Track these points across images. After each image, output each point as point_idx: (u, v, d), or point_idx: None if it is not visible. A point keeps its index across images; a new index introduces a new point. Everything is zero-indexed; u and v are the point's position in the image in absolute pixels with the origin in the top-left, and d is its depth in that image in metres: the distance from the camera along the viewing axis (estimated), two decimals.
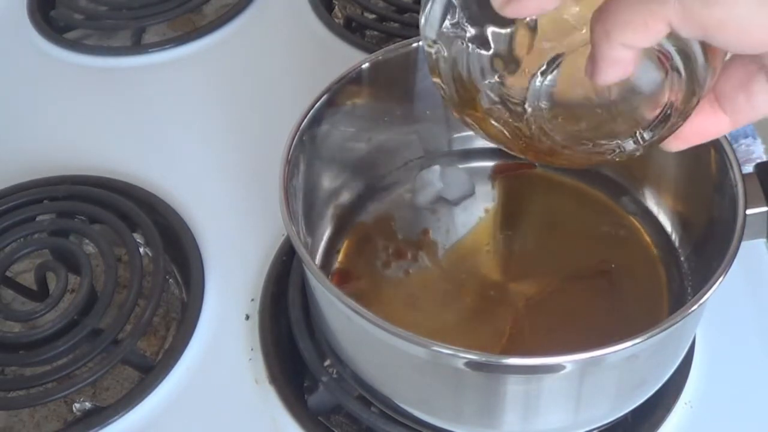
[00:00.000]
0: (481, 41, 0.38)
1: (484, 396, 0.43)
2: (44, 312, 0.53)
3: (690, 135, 0.39)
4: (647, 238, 0.54)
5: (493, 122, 0.41)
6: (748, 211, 0.44)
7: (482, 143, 0.59)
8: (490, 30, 0.38)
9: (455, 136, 0.58)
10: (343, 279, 0.53)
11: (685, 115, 0.37)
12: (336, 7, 0.80)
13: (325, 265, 0.54)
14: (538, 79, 0.37)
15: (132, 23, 0.76)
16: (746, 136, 0.66)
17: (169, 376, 0.51)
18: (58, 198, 0.60)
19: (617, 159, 0.41)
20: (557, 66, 0.37)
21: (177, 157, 0.65)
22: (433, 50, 0.41)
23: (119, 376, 0.54)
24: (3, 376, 0.54)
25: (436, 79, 0.42)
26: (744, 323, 0.53)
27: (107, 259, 0.55)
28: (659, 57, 0.36)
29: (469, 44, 0.39)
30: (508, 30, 0.37)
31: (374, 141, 0.56)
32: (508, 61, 0.38)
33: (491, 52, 0.38)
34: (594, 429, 0.47)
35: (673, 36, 0.32)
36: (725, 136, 0.47)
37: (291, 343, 0.52)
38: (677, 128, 0.38)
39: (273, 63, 0.72)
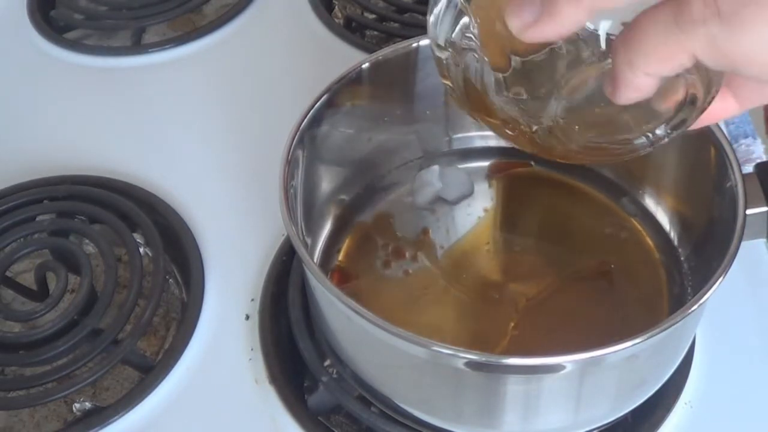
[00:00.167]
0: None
1: (484, 396, 0.43)
2: (44, 312, 0.53)
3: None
4: (647, 239, 0.54)
5: (507, 129, 0.40)
6: (748, 211, 0.44)
7: (481, 143, 0.59)
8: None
9: (454, 136, 0.58)
10: (342, 279, 0.53)
11: (700, 109, 0.37)
12: (336, 7, 0.80)
13: (325, 264, 0.54)
14: (555, 96, 0.37)
15: (132, 23, 0.76)
16: (746, 136, 0.66)
17: (169, 376, 0.51)
18: (58, 198, 0.60)
19: (627, 158, 0.41)
20: (575, 84, 0.37)
21: (177, 157, 0.65)
22: (442, 55, 0.41)
23: (119, 376, 0.54)
24: (3, 376, 0.54)
25: (446, 81, 0.42)
26: (744, 323, 0.53)
27: (107, 259, 0.55)
28: None
29: (484, 58, 0.38)
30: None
31: (374, 141, 0.56)
32: (525, 80, 0.38)
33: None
34: (594, 429, 0.47)
35: None
36: (725, 136, 0.47)
37: (291, 343, 0.52)
38: (692, 123, 0.38)
39: (273, 63, 0.72)
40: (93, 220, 0.59)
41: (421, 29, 0.57)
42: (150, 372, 0.51)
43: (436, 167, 0.57)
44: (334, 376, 0.50)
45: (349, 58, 0.68)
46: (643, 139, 0.39)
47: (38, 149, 0.66)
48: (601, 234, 0.55)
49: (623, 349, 0.39)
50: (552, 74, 0.37)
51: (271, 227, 0.58)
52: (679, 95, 0.37)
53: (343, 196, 0.56)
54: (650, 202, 0.55)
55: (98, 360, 0.51)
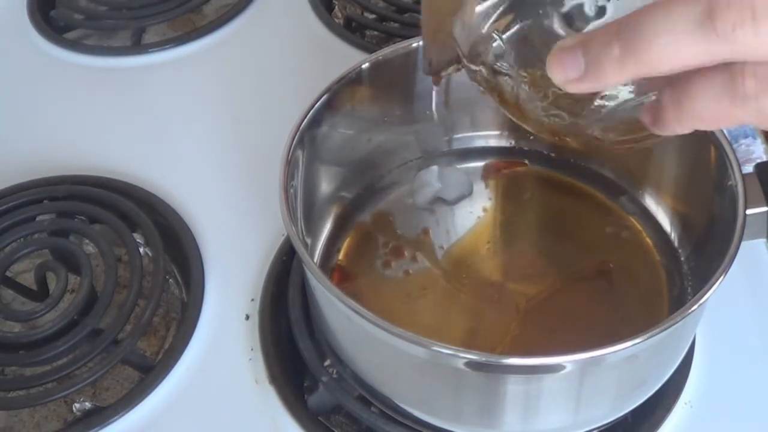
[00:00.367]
0: (533, 83, 0.38)
1: (484, 396, 0.43)
2: (44, 312, 0.53)
3: None
4: (647, 239, 0.54)
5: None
6: (748, 211, 0.44)
7: (481, 143, 0.59)
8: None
9: (454, 136, 0.58)
10: (342, 279, 0.53)
11: None
12: (336, 7, 0.80)
13: (325, 264, 0.54)
14: (596, 103, 0.37)
15: (132, 23, 0.76)
16: (746, 136, 0.66)
17: (169, 376, 0.51)
18: (58, 198, 0.60)
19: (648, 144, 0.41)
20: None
21: (177, 157, 0.65)
22: (473, 66, 0.41)
23: (119, 376, 0.54)
24: (3, 376, 0.54)
25: (475, 83, 0.42)
26: (744, 323, 0.53)
27: (107, 259, 0.55)
28: None
29: (520, 82, 0.38)
30: None
31: (374, 141, 0.56)
32: (564, 99, 0.38)
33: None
34: (594, 429, 0.47)
35: None
36: (725, 136, 0.47)
37: (291, 343, 0.52)
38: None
39: (273, 63, 0.72)
40: (93, 220, 0.59)
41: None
42: (150, 372, 0.51)
43: (435, 167, 0.57)
44: (334, 376, 0.50)
45: (349, 58, 0.68)
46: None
47: (38, 149, 0.66)
48: (601, 234, 0.55)
49: (623, 349, 0.39)
50: (591, 99, 0.37)
51: (271, 227, 0.58)
52: None
53: (343, 196, 0.56)
54: (650, 202, 0.55)
55: (98, 360, 0.51)
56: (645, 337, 0.39)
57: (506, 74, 0.39)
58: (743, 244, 0.43)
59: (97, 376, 0.50)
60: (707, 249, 0.48)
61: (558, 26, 0.37)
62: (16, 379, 0.53)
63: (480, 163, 0.59)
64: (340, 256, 0.54)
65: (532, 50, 0.38)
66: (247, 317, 0.54)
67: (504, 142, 0.59)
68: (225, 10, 0.77)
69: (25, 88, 0.72)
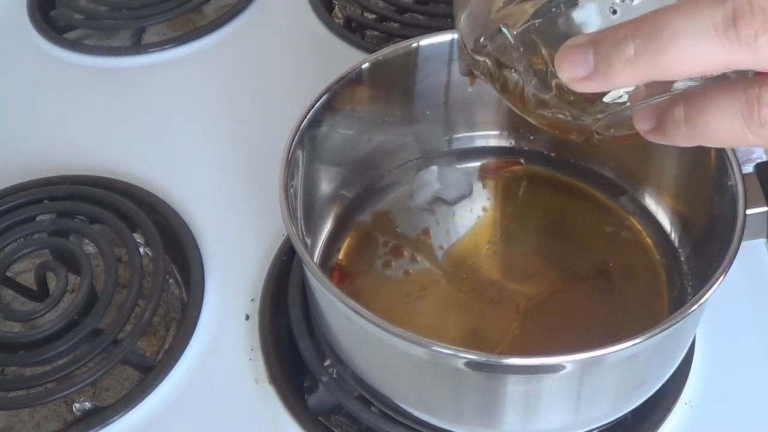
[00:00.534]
0: (539, 78, 0.38)
1: (484, 396, 0.43)
2: (44, 312, 0.53)
3: None
4: (647, 239, 0.54)
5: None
6: (748, 211, 0.44)
7: (480, 143, 0.59)
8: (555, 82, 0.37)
9: (454, 136, 0.58)
10: (342, 278, 0.53)
11: None
12: (336, 7, 0.80)
13: (325, 264, 0.54)
14: (601, 101, 0.37)
15: (132, 23, 0.76)
16: None
17: (169, 376, 0.51)
18: (58, 198, 0.60)
19: None
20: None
21: (177, 157, 0.65)
22: (478, 57, 0.40)
23: (119, 376, 0.54)
24: (3, 376, 0.54)
25: (476, 72, 0.42)
26: (744, 323, 0.53)
27: (107, 259, 0.55)
28: None
29: (525, 77, 0.38)
30: None
31: (374, 141, 0.56)
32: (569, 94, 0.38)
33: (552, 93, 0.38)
34: (594, 429, 0.47)
35: None
36: None
37: (291, 343, 0.52)
38: None
39: (273, 63, 0.72)
40: (93, 220, 0.59)
41: (422, 29, 0.57)
42: (150, 372, 0.51)
43: (434, 168, 0.57)
44: (334, 376, 0.50)
45: (349, 58, 0.68)
46: None
47: (38, 149, 0.66)
48: (601, 234, 0.55)
49: (623, 349, 0.39)
50: (596, 98, 0.37)
51: (271, 227, 0.58)
52: None
53: (343, 196, 0.56)
54: (650, 202, 0.55)
55: (98, 360, 0.51)
56: (645, 337, 0.39)
57: (511, 67, 0.39)
58: (743, 244, 0.43)
59: (97, 376, 0.50)
60: (707, 249, 0.48)
61: (570, 24, 0.37)
62: (16, 379, 0.53)
63: (478, 164, 0.59)
64: (340, 256, 0.54)
65: (540, 46, 0.37)
66: (247, 317, 0.54)
67: (504, 142, 0.59)
68: (225, 10, 0.77)
69: (25, 88, 0.72)
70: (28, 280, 0.57)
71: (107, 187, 0.61)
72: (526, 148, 0.59)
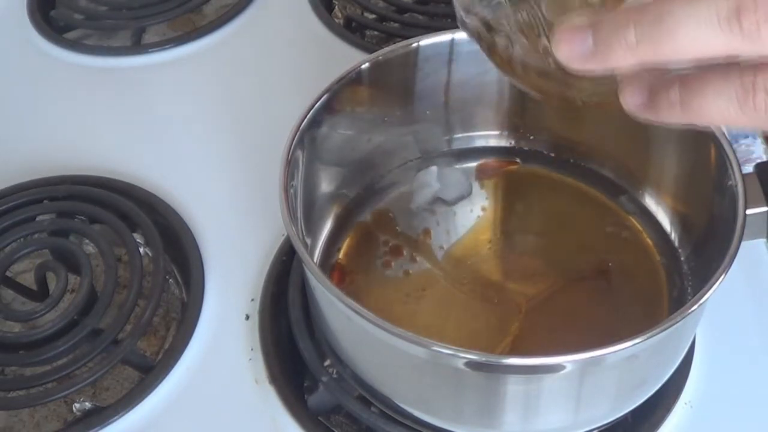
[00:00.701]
0: (531, 46, 0.38)
1: (484, 396, 0.43)
2: (44, 312, 0.53)
3: None
4: (647, 239, 0.54)
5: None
6: (748, 211, 0.44)
7: (480, 143, 0.59)
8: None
9: (453, 136, 0.58)
10: (342, 278, 0.53)
11: None
12: (336, 7, 0.80)
13: (325, 264, 0.54)
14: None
15: (132, 23, 0.76)
16: (746, 136, 0.66)
17: (169, 376, 0.51)
18: (58, 198, 0.60)
19: None
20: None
21: (177, 157, 0.65)
22: (466, 19, 0.40)
23: (119, 376, 0.54)
24: (3, 376, 0.54)
25: (466, 32, 0.41)
26: (744, 323, 0.53)
27: (107, 259, 0.55)
28: None
29: (516, 43, 0.38)
30: None
31: (373, 141, 0.56)
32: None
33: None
34: (594, 429, 0.47)
35: None
36: (725, 136, 0.47)
37: (291, 343, 0.52)
38: None
39: (273, 63, 0.72)
40: (93, 220, 0.59)
41: (422, 29, 0.57)
42: (150, 372, 0.51)
43: (434, 168, 0.57)
44: (334, 376, 0.50)
45: (349, 58, 0.68)
46: None
47: (38, 149, 0.66)
48: (601, 234, 0.55)
49: (623, 349, 0.39)
50: None
51: (271, 227, 0.58)
52: None
53: (343, 196, 0.56)
54: (650, 202, 0.55)
55: (98, 360, 0.51)
56: (645, 337, 0.39)
57: (502, 32, 0.39)
58: (743, 244, 0.43)
59: (97, 376, 0.50)
60: (707, 249, 0.48)
61: None
62: (16, 379, 0.53)
63: (478, 164, 0.59)
64: (340, 255, 0.54)
65: (535, 15, 0.37)
66: (247, 317, 0.54)
67: (503, 142, 0.59)
68: (225, 10, 0.77)
69: (25, 88, 0.72)
70: (28, 280, 0.57)
71: (107, 187, 0.61)
72: (525, 148, 0.59)
